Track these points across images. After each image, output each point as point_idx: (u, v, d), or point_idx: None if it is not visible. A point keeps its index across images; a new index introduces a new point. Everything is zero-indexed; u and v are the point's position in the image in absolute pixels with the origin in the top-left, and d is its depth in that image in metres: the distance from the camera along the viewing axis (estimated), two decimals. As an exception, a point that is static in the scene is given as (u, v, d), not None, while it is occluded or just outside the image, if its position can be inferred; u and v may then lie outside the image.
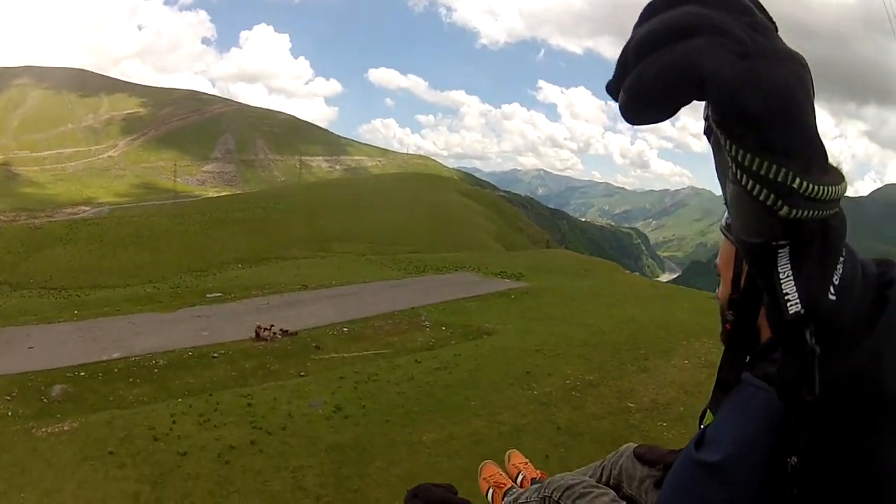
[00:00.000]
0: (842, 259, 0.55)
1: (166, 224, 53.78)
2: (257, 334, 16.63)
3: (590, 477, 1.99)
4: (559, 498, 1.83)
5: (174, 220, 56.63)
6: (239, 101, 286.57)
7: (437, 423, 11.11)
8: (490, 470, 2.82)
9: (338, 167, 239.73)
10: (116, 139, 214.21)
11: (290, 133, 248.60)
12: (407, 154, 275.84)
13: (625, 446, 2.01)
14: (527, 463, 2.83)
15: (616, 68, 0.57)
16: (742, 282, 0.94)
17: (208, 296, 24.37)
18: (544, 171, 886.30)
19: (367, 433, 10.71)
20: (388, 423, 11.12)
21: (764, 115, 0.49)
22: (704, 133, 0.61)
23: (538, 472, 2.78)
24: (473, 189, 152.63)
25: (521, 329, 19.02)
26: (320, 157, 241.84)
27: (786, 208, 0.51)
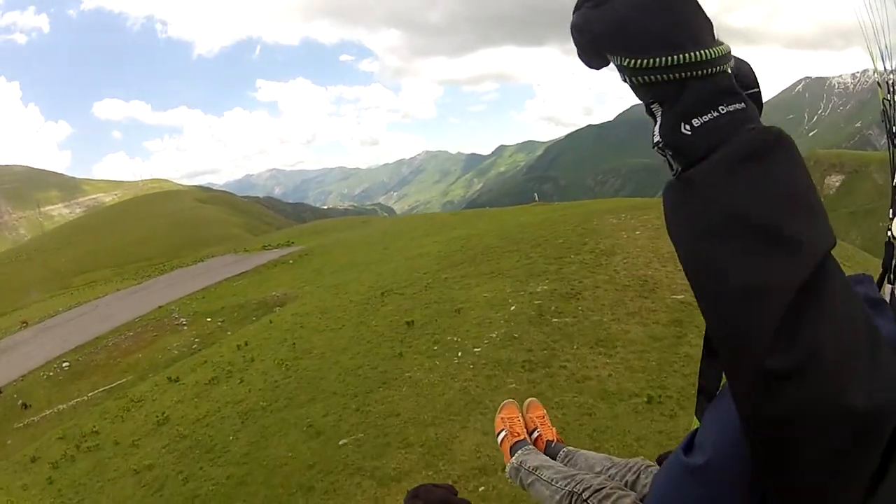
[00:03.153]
0: (715, 112, 0.63)
1: None
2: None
3: (612, 472, 2.09)
4: (588, 497, 1.89)
5: None
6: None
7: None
8: (510, 411, 2.83)
9: (77, 210, 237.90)
10: None
11: (26, 185, 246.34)
12: (142, 181, 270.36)
13: (641, 460, 2.07)
14: (544, 417, 2.84)
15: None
16: None
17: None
18: (277, 169, 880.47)
19: None
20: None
21: (605, 32, 0.65)
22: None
23: (553, 430, 2.79)
24: (210, 195, 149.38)
25: (330, 284, 17.20)
26: (60, 204, 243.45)
27: (628, 79, 0.66)
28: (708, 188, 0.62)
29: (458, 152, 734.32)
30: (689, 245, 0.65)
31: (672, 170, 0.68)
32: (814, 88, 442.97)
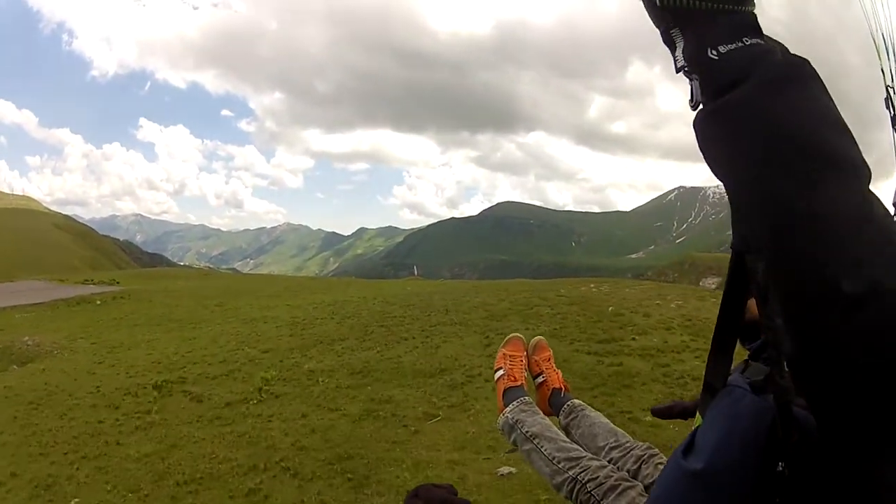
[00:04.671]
0: (740, 42, 0.63)
1: None
2: None
3: (615, 455, 2.05)
4: (592, 490, 1.84)
5: None
6: None
7: None
8: (515, 347, 2.65)
9: None
10: None
11: None
12: (12, 195, 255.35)
13: (645, 446, 2.05)
14: (550, 360, 2.69)
15: None
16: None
17: None
18: (141, 215, 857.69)
19: None
20: None
21: None
22: None
23: (559, 374, 2.64)
24: (70, 224, 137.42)
25: (108, 343, 14.62)
26: None
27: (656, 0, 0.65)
28: (754, 111, 0.62)
29: (319, 229, 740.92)
30: (742, 174, 0.63)
31: (692, 101, 0.68)
32: (687, 197, 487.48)
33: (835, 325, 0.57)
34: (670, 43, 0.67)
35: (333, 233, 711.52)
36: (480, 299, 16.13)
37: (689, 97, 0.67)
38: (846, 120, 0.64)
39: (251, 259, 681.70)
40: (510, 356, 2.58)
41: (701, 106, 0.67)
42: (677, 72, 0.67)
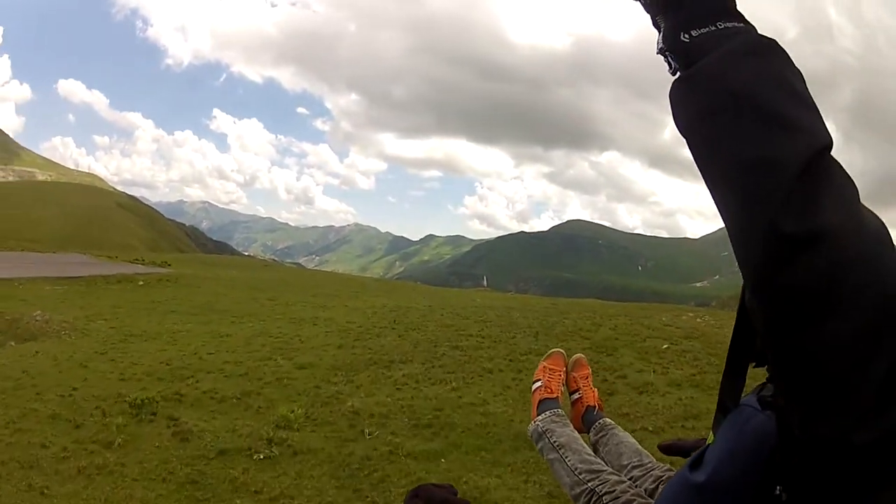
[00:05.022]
0: (713, 26, 0.70)
1: None
2: None
3: (636, 474, 2.00)
4: (607, 502, 1.84)
5: None
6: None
7: None
8: (555, 362, 2.62)
9: (10, 177, 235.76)
10: None
11: None
12: (77, 171, 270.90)
13: (665, 468, 2.01)
14: (588, 378, 2.65)
15: None
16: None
17: None
18: (210, 203, 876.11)
19: None
20: None
21: None
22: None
23: (595, 393, 2.60)
24: (134, 204, 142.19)
25: (128, 329, 12.17)
26: None
27: None
28: (714, 76, 0.69)
29: (388, 232, 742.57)
30: (698, 127, 0.71)
31: (671, 69, 0.76)
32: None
33: (780, 266, 0.62)
34: (658, 28, 0.76)
35: (401, 237, 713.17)
36: (571, 321, 13.89)
37: (668, 69, 0.76)
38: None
39: (316, 256, 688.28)
40: (550, 369, 2.59)
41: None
42: (657, 53, 0.76)
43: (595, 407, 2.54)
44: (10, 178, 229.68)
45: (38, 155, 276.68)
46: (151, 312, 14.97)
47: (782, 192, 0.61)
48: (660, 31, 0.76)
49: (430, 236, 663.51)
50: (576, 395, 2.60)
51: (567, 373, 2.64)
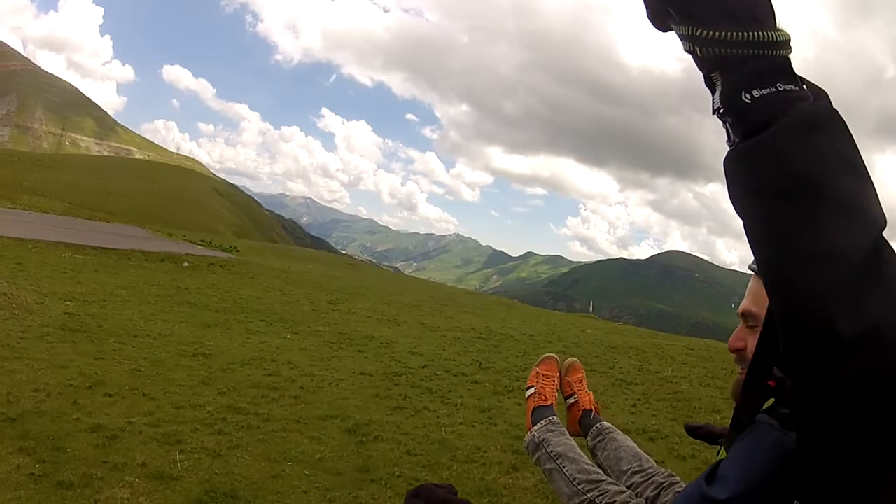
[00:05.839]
0: (773, 87, 0.65)
1: None
2: None
3: (636, 480, 1.96)
4: None
5: None
6: (35, 64, 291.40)
7: None
8: (548, 368, 2.48)
9: (106, 151, 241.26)
10: None
11: (69, 105, 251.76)
12: (176, 153, 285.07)
13: (666, 473, 1.95)
14: (582, 381, 2.50)
15: None
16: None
17: None
18: (312, 199, 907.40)
19: None
20: None
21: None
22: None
23: (591, 396, 2.47)
24: (230, 191, 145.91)
25: (112, 320, 9.18)
26: (91, 138, 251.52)
27: (695, 49, 0.68)
28: (775, 153, 0.64)
29: (488, 245, 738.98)
30: (755, 210, 0.66)
31: (729, 140, 0.70)
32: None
33: (828, 365, 0.60)
34: (711, 86, 0.70)
35: (501, 251, 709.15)
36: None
37: (726, 138, 0.71)
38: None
39: (414, 262, 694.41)
40: (543, 375, 2.46)
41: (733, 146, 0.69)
42: (713, 113, 0.70)
43: (591, 410, 2.41)
44: (105, 153, 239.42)
45: (136, 134, 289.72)
46: (157, 301, 11.72)
47: (840, 289, 0.59)
48: (714, 91, 0.70)
49: (530, 253, 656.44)
50: (571, 400, 2.44)
51: (561, 378, 2.52)
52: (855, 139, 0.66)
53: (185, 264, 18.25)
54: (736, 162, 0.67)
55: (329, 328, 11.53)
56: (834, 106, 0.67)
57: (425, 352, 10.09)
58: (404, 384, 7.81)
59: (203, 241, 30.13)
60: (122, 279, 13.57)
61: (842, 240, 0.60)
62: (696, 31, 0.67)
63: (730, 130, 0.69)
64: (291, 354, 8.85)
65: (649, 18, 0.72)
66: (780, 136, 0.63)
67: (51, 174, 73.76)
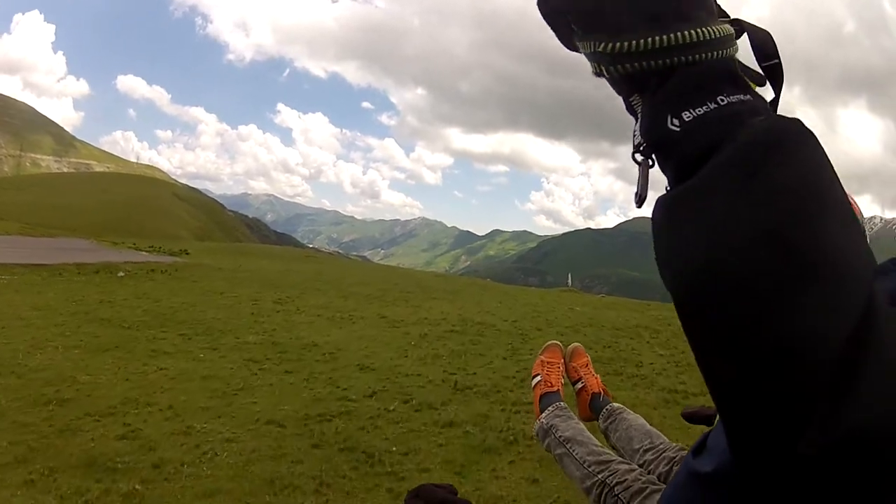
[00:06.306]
0: (713, 103, 0.47)
1: None
2: None
3: (649, 458, 1.96)
4: (620, 493, 1.79)
5: None
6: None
7: None
8: (552, 355, 2.52)
9: (66, 168, 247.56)
10: None
11: (27, 126, 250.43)
12: (136, 163, 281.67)
13: (677, 448, 1.95)
14: (588, 365, 2.53)
15: None
16: None
17: None
18: (275, 196, 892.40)
19: None
20: None
21: (568, 10, 0.52)
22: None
23: (598, 379, 2.50)
24: (192, 195, 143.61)
25: None
26: (51, 156, 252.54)
27: (604, 70, 0.51)
28: (715, 200, 0.45)
29: (454, 226, 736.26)
30: (688, 281, 0.46)
31: (636, 195, 0.56)
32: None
33: (782, 479, 0.45)
34: (634, 114, 0.54)
35: (467, 231, 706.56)
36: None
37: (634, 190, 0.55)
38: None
39: (382, 249, 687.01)
40: (548, 363, 2.50)
41: (665, 191, 0.51)
42: (633, 153, 0.54)
43: (601, 393, 2.44)
44: (65, 170, 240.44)
45: (95, 147, 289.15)
46: (66, 322, 9.44)
47: (809, 396, 0.42)
48: (636, 119, 0.53)
49: (496, 231, 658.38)
50: (579, 385, 2.49)
51: (566, 364, 2.54)
52: (828, 156, 0.47)
53: (121, 274, 16.82)
54: (663, 211, 0.49)
55: (262, 337, 9.09)
56: (797, 119, 0.47)
57: (379, 363, 7.59)
58: (329, 444, 4.98)
59: (151, 246, 28.47)
60: (41, 298, 11.47)
61: (820, 320, 0.41)
62: (600, 46, 0.50)
63: (643, 178, 0.52)
64: (184, 389, 6.24)
65: (560, 41, 0.54)
66: (720, 174, 0.45)
67: (8, 196, 73.45)
